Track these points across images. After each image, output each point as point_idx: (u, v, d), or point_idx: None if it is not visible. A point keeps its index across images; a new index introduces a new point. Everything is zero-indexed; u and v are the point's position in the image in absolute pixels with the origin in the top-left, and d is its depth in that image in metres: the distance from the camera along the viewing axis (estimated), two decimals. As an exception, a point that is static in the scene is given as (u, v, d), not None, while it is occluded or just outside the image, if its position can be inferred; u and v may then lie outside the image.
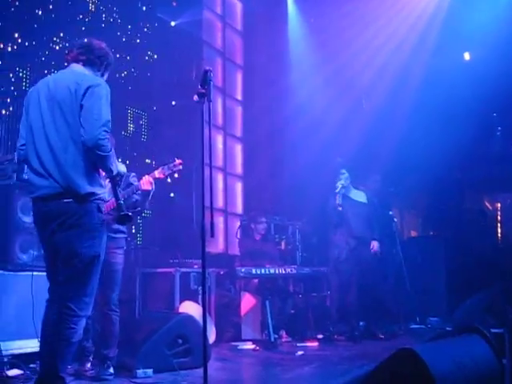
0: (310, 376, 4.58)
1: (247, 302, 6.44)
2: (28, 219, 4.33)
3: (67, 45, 5.94)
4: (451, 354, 2.90)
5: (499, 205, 10.38)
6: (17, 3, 5.50)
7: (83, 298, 3.01)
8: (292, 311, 6.76)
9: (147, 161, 7.27)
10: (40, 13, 5.83)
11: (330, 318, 6.55)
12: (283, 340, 6.21)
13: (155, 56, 7.61)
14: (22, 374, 4.00)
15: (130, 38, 7.21)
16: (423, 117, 8.42)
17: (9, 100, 5.37)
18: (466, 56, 8.96)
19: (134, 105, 7.23)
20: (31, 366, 4.11)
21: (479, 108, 8.32)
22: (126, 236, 4.45)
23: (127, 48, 7.09)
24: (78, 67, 3.25)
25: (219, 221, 8.48)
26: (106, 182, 3.35)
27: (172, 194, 7.53)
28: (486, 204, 10.40)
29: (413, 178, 8.65)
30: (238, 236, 7.08)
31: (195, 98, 3.39)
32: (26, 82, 5.59)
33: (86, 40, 3.37)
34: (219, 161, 8.70)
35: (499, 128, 9.57)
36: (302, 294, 7.10)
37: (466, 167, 9.31)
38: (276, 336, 5.91)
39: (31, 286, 4.02)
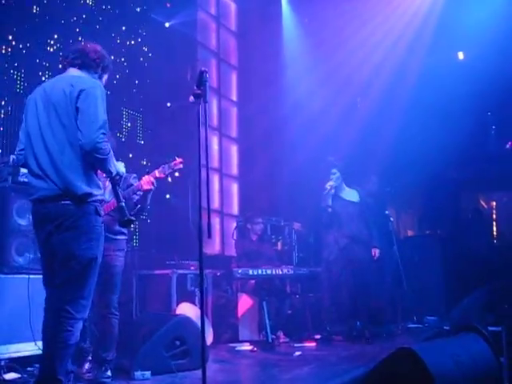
0: (309, 376, 4.56)
1: (244, 302, 6.43)
2: (24, 222, 4.31)
3: (61, 47, 5.93)
4: (449, 352, 2.91)
5: (494, 203, 10.41)
6: (12, 5, 5.48)
7: (80, 301, 2.99)
8: (289, 312, 6.75)
9: (143, 162, 7.26)
10: (34, 15, 5.81)
11: (326, 318, 6.54)
12: (281, 341, 6.18)
13: (150, 55, 7.60)
14: (19, 378, 4.00)
15: (125, 39, 7.20)
16: (419, 113, 8.43)
17: (3, 102, 5.35)
18: (460, 55, 9.00)
19: (128, 106, 7.22)
20: (28, 369, 4.10)
21: (474, 106, 8.32)
22: (126, 238, 4.42)
23: (122, 49, 7.08)
24: (74, 71, 3.25)
25: (215, 222, 8.48)
26: (107, 183, 3.34)
27: (168, 196, 7.52)
28: (482, 203, 10.43)
29: (409, 175, 8.65)
30: (235, 237, 7.07)
31: (191, 98, 3.36)
32: (20, 84, 5.57)
33: (80, 44, 3.36)
34: (215, 162, 8.70)
35: (493, 127, 9.60)
36: (299, 294, 7.08)
37: (461, 166, 9.32)
38: (274, 337, 5.91)
39: (27, 289, 4.01)
